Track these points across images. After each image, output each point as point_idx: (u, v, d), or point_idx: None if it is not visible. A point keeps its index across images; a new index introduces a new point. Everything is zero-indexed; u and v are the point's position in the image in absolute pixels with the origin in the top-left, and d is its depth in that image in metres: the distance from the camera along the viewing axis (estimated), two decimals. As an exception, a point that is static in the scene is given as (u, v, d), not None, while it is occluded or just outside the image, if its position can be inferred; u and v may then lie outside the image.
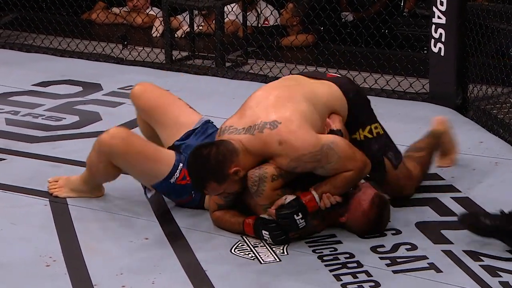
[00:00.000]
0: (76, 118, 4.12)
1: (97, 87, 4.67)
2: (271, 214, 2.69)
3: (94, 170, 2.99)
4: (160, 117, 3.07)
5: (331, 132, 2.75)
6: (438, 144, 3.31)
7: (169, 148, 3.02)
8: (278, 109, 2.71)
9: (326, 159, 2.65)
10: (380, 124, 3.00)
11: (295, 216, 2.65)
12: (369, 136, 2.94)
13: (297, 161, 2.64)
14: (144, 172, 2.90)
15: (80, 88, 4.65)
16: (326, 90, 2.86)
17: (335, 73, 3.42)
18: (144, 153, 2.87)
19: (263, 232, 2.72)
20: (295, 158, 2.63)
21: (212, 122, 3.12)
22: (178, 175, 2.90)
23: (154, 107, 3.09)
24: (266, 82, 4.67)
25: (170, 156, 2.92)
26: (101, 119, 4.10)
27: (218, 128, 3.09)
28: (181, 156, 2.93)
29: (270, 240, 2.73)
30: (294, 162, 2.64)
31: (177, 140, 3.01)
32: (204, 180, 2.67)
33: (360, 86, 4.46)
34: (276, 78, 4.72)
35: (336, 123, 2.80)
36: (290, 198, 2.67)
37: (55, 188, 3.14)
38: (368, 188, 2.78)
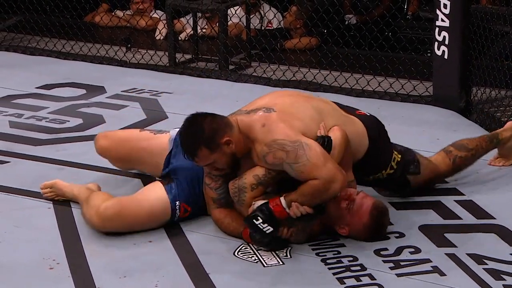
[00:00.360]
0: (79, 121, 4.12)
1: (100, 89, 4.67)
2: (246, 235, 2.72)
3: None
4: (135, 160, 3.14)
5: (320, 138, 2.72)
6: (492, 148, 3.28)
7: (160, 180, 2.99)
8: (284, 104, 2.75)
9: (294, 156, 2.63)
10: (396, 151, 2.99)
11: (254, 220, 2.64)
12: (391, 172, 2.97)
13: (268, 147, 2.65)
14: (146, 227, 2.89)
15: (83, 91, 4.65)
16: (353, 128, 2.84)
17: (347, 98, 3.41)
18: (140, 217, 2.86)
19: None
20: (268, 143, 2.65)
21: None
22: (179, 213, 2.90)
23: (124, 156, 3.15)
24: (269, 85, 4.71)
25: (165, 203, 2.88)
26: (105, 122, 4.10)
27: None
28: (173, 189, 2.90)
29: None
30: (266, 147, 2.66)
31: (163, 169, 3.00)
32: (196, 145, 2.70)
33: (364, 88, 4.49)
34: (279, 81, 4.75)
35: (332, 132, 2.75)
36: (258, 203, 2.67)
37: (49, 195, 3.14)
38: (365, 198, 2.76)
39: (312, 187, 2.64)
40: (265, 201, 2.67)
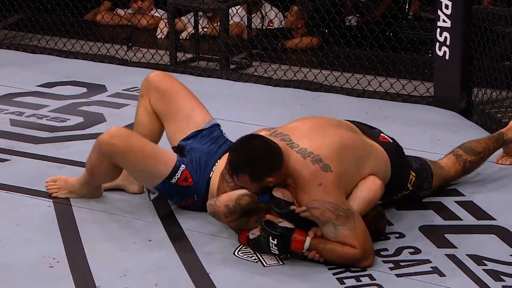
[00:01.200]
0: (80, 119, 4.12)
1: (101, 88, 4.67)
2: (243, 239, 2.68)
3: (95, 171, 2.98)
4: (176, 104, 3.05)
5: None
6: (498, 148, 3.28)
7: (174, 148, 3.01)
8: (338, 158, 2.64)
9: (344, 220, 2.58)
10: (413, 171, 2.98)
11: (270, 238, 2.60)
12: (406, 193, 2.98)
13: (320, 204, 2.57)
14: (145, 171, 2.88)
15: (84, 89, 4.65)
16: (377, 161, 2.81)
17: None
18: (144, 152, 2.85)
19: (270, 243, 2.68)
20: (321, 200, 2.57)
21: (220, 126, 3.11)
22: (179, 175, 2.89)
23: (173, 92, 3.07)
24: (270, 85, 4.72)
25: (171, 156, 2.90)
26: (105, 121, 4.10)
27: (222, 133, 3.08)
28: (184, 158, 2.92)
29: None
30: (318, 203, 2.57)
31: (182, 140, 3.00)
32: (241, 170, 2.59)
33: (365, 89, 4.49)
34: (280, 80, 4.74)
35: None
36: (285, 224, 2.60)
37: (54, 188, 3.14)
38: None
39: (346, 253, 2.60)
40: (292, 227, 2.60)
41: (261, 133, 2.73)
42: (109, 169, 2.94)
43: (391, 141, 2.96)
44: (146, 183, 2.99)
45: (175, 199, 2.99)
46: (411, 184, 2.97)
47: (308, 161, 2.61)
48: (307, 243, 2.60)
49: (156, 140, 3.10)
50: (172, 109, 3.05)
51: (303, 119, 2.85)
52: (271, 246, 2.62)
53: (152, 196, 3.06)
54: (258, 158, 2.57)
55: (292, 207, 2.60)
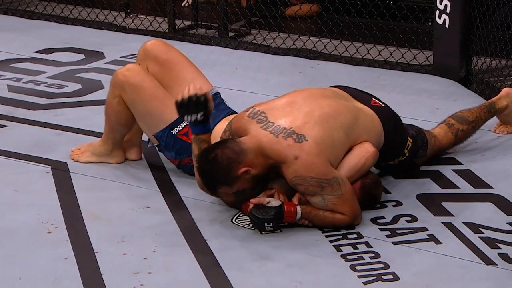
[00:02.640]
0: (78, 86, 4.11)
1: (99, 55, 4.65)
2: (245, 209, 2.66)
3: (109, 111, 3.00)
4: (177, 73, 3.03)
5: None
6: (490, 118, 3.29)
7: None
8: (316, 124, 2.63)
9: (330, 190, 2.59)
10: (409, 137, 2.97)
11: (265, 224, 2.61)
12: (403, 158, 2.97)
13: (302, 180, 2.58)
14: (150, 113, 2.87)
15: (82, 56, 4.63)
16: (367, 123, 2.78)
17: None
18: (154, 92, 2.88)
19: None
20: (302, 176, 2.57)
21: (220, 95, 3.09)
22: (181, 128, 2.89)
23: (173, 62, 3.05)
24: (269, 53, 4.69)
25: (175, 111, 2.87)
26: (103, 88, 4.09)
27: (223, 101, 3.06)
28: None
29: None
30: (299, 179, 2.58)
31: None
32: (214, 185, 2.63)
33: (364, 57, 4.47)
34: (279, 48, 4.72)
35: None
36: (273, 203, 2.60)
37: (77, 155, 3.16)
38: None
39: (337, 219, 2.63)
40: (279, 203, 2.60)
41: (244, 113, 2.73)
42: (120, 107, 2.95)
43: (383, 105, 2.95)
44: (148, 127, 2.96)
45: (171, 154, 2.97)
46: (407, 150, 2.96)
47: (281, 137, 2.61)
48: (298, 214, 2.62)
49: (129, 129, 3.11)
50: (172, 79, 3.02)
51: (285, 94, 2.84)
52: (266, 228, 2.62)
53: (150, 144, 3.04)
54: (213, 166, 2.58)
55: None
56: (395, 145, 2.91)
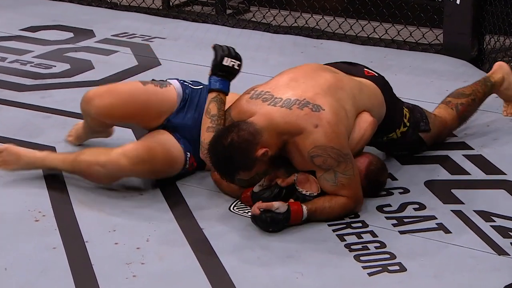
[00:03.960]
0: (67, 66, 4.11)
1: (89, 33, 4.65)
2: (254, 211, 2.63)
3: (89, 177, 2.86)
4: (140, 116, 2.90)
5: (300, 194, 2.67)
6: (489, 92, 3.30)
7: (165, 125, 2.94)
8: (327, 95, 2.65)
9: (344, 167, 2.61)
10: (405, 107, 2.99)
11: (271, 228, 2.61)
12: (404, 129, 2.97)
13: (322, 150, 2.58)
14: (161, 174, 2.88)
15: (71, 34, 4.62)
16: (370, 94, 2.82)
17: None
18: (162, 164, 2.83)
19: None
20: (323, 146, 2.58)
21: (183, 82, 2.99)
22: (187, 165, 2.90)
23: (130, 113, 2.88)
24: (269, 31, 4.69)
25: (180, 153, 2.88)
26: (94, 68, 4.09)
27: (189, 86, 2.98)
28: (180, 140, 2.89)
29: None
30: (320, 149, 2.58)
31: (170, 119, 2.93)
32: (233, 173, 2.61)
33: (369, 36, 4.46)
34: (280, 27, 4.71)
35: (309, 187, 2.68)
36: (281, 209, 2.59)
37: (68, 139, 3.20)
38: (360, 156, 2.76)
39: (341, 206, 2.65)
40: (286, 206, 2.60)
41: (243, 98, 2.73)
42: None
43: (377, 74, 2.97)
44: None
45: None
46: (407, 119, 2.97)
47: (295, 108, 2.62)
48: (305, 215, 2.62)
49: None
50: (136, 117, 2.92)
51: (282, 72, 2.85)
52: (271, 230, 2.62)
53: None
54: (230, 153, 2.56)
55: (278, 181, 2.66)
56: (394, 114, 2.92)
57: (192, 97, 2.94)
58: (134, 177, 2.87)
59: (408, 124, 2.98)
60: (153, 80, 2.98)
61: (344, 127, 2.65)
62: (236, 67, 2.80)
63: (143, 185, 2.92)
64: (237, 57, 2.83)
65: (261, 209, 2.58)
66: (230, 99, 2.84)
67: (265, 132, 2.59)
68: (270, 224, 2.59)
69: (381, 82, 2.92)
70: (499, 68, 3.35)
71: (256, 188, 2.70)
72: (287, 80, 2.75)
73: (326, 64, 2.97)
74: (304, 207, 2.62)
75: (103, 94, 2.88)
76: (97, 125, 3.02)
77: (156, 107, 2.89)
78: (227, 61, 2.79)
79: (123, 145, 2.80)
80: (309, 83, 2.70)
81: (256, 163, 2.59)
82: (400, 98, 3.07)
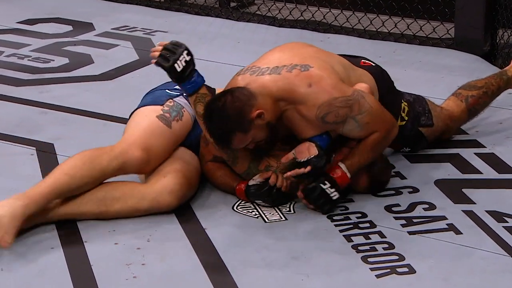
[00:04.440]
0: (65, 60, 4.11)
1: (88, 26, 4.65)
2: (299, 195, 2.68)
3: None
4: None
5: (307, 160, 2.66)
6: (504, 87, 3.29)
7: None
8: (313, 58, 2.68)
9: (358, 107, 2.64)
10: (404, 101, 2.99)
11: (321, 185, 2.63)
12: (402, 123, 2.97)
13: (328, 106, 2.60)
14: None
15: (70, 28, 4.63)
16: (362, 79, 2.82)
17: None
18: (197, 182, 2.81)
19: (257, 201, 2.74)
20: (327, 102, 2.60)
21: (183, 94, 2.91)
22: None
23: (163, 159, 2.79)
24: (274, 25, 4.68)
25: (198, 162, 2.85)
26: (93, 62, 4.09)
27: (169, 97, 2.90)
28: (192, 148, 2.87)
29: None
30: (326, 107, 2.60)
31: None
32: (228, 133, 2.60)
33: (378, 30, 4.45)
34: (285, 20, 4.71)
35: (308, 152, 2.67)
36: (324, 185, 2.64)
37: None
38: None
39: (375, 141, 2.69)
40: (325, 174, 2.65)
41: (231, 79, 2.75)
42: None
43: (374, 64, 2.98)
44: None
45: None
46: (405, 113, 2.97)
47: (284, 73, 2.65)
48: (344, 169, 2.66)
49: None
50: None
51: (272, 49, 2.86)
52: (330, 193, 2.65)
53: None
54: (225, 112, 2.57)
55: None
56: (389, 107, 2.90)
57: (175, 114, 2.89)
58: (133, 175, 2.86)
59: (406, 118, 2.97)
60: (164, 107, 2.84)
61: (338, 77, 2.67)
62: (187, 59, 2.67)
63: (144, 184, 2.92)
64: (176, 48, 2.66)
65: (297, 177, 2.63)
66: None
67: (259, 96, 2.62)
68: (327, 191, 2.64)
69: (377, 72, 2.93)
70: None
71: (250, 182, 2.70)
72: (272, 52, 2.79)
73: None
74: (341, 165, 2.66)
75: (151, 156, 2.73)
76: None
77: (182, 138, 2.85)
78: (179, 66, 2.66)
79: (155, 180, 2.70)
80: (295, 51, 2.75)
81: (252, 126, 2.60)
82: (406, 92, 3.06)
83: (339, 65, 2.76)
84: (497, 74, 3.31)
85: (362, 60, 2.97)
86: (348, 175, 2.68)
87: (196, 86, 2.70)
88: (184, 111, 2.87)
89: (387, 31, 4.44)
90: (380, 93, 2.88)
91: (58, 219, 2.64)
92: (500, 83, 3.28)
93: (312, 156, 2.63)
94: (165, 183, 2.68)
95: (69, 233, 2.62)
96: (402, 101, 3.00)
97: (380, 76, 2.93)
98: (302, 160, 2.64)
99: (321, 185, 2.65)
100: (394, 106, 2.94)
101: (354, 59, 2.95)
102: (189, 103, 2.81)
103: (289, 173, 2.66)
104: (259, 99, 2.61)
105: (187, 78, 2.68)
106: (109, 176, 2.69)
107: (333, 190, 2.66)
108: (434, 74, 3.92)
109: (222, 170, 2.82)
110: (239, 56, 4.12)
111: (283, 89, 2.63)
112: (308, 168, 2.62)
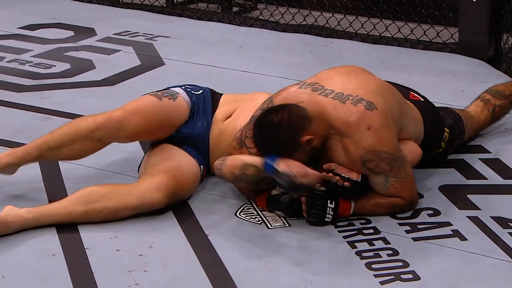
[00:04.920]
0: (67, 66, 4.12)
1: (90, 32, 4.66)
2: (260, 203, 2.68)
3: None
4: (157, 132, 2.90)
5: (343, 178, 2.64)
6: None
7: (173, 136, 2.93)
8: (378, 95, 2.65)
9: (397, 170, 2.62)
10: (446, 128, 2.98)
11: (328, 202, 2.63)
12: (439, 151, 2.98)
13: (375, 155, 2.58)
14: (190, 194, 2.86)
15: (71, 33, 4.64)
16: (413, 114, 2.83)
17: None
18: (190, 185, 2.81)
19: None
20: (376, 151, 2.57)
21: (179, 88, 2.98)
22: (202, 176, 2.90)
23: (152, 130, 2.88)
24: (277, 30, 4.69)
25: (195, 166, 2.86)
26: (95, 68, 4.10)
27: (189, 93, 2.96)
28: (192, 152, 2.89)
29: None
30: (372, 154, 2.58)
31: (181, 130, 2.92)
32: (274, 150, 2.58)
33: (381, 34, 4.46)
34: (288, 25, 4.71)
35: (349, 173, 2.66)
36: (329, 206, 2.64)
37: None
38: None
39: (394, 205, 2.69)
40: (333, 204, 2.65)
41: (288, 87, 2.73)
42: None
43: (422, 99, 2.97)
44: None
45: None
46: (445, 142, 2.98)
47: (349, 104, 2.61)
48: (352, 209, 2.66)
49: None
50: (154, 134, 2.91)
51: (331, 68, 2.85)
52: (328, 212, 2.63)
53: None
54: (277, 130, 2.55)
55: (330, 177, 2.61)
56: (432, 140, 2.93)
57: (197, 104, 2.95)
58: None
59: (444, 146, 2.98)
60: (159, 91, 2.95)
61: (395, 129, 2.65)
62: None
63: (146, 190, 2.92)
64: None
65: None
66: (228, 99, 2.86)
67: (314, 121, 2.59)
68: (328, 202, 2.62)
69: (425, 108, 2.91)
70: None
71: (273, 192, 2.70)
72: (336, 74, 2.74)
73: None
74: (353, 204, 2.66)
75: (130, 116, 2.81)
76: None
77: (173, 121, 2.89)
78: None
79: (143, 179, 2.74)
80: (360, 80, 2.71)
81: (299, 148, 2.58)
82: (442, 107, 3.07)
83: (398, 106, 2.71)
84: None
85: (411, 93, 2.96)
86: (350, 212, 2.66)
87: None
88: (178, 96, 2.91)
89: (390, 35, 4.44)
90: (426, 129, 2.87)
91: (47, 223, 2.65)
92: None
93: (352, 178, 2.63)
94: (152, 180, 2.71)
95: (71, 239, 2.62)
96: (445, 129, 2.97)
97: (427, 111, 2.91)
98: (342, 175, 2.62)
99: (328, 201, 2.63)
100: (437, 137, 2.95)
101: (404, 90, 2.93)
102: (187, 95, 2.87)
103: (322, 174, 2.60)
104: (313, 123, 2.58)
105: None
106: (84, 135, 2.79)
107: (331, 213, 2.64)
108: (439, 79, 3.93)
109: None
110: (241, 61, 4.13)
111: (341, 120, 2.59)
112: (347, 184, 2.61)
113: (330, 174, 2.61)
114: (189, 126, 2.92)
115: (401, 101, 2.77)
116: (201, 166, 2.90)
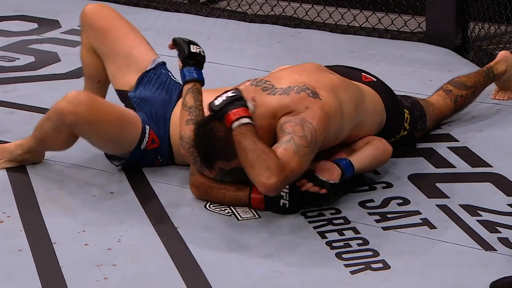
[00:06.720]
0: (31, 59, 4.08)
1: (54, 24, 4.62)
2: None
3: (49, 142, 2.87)
4: (113, 42, 3.02)
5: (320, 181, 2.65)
6: (489, 84, 3.34)
7: (118, 91, 3.01)
8: (328, 91, 2.65)
9: (304, 143, 2.54)
10: (407, 109, 3.00)
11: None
12: (404, 133, 2.99)
13: (299, 120, 2.55)
14: (112, 140, 2.83)
15: (35, 25, 4.60)
16: (372, 101, 2.84)
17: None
18: (111, 119, 2.79)
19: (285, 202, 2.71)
20: (302, 118, 2.55)
21: (166, 65, 3.07)
22: (147, 139, 2.88)
23: (108, 29, 3.04)
24: (245, 21, 4.68)
25: (136, 118, 2.87)
26: (60, 60, 4.07)
27: (170, 75, 3.04)
28: (143, 115, 2.91)
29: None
30: (296, 118, 2.55)
31: (130, 91, 2.98)
32: (211, 159, 2.58)
33: (349, 24, 4.48)
34: (256, 15, 4.71)
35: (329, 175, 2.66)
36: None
37: None
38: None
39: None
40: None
41: (241, 84, 2.74)
42: (68, 139, 2.85)
43: (375, 79, 2.97)
44: (113, 151, 2.92)
45: (143, 164, 2.95)
46: (407, 123, 2.99)
47: (292, 93, 2.62)
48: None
49: (103, 79, 3.09)
50: (110, 48, 3.03)
51: (284, 67, 2.88)
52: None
53: (117, 162, 2.95)
54: (211, 137, 2.54)
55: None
56: (395, 120, 2.94)
57: (160, 73, 3.00)
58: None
59: (408, 127, 2.99)
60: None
61: (335, 125, 2.64)
62: (202, 53, 2.82)
63: (113, 183, 2.91)
64: (198, 44, 2.85)
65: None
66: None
67: (258, 121, 2.55)
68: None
69: (380, 88, 2.93)
70: (504, 59, 3.36)
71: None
72: (290, 73, 2.76)
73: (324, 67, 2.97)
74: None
75: (100, 9, 3.11)
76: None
77: (132, 49, 3.03)
78: (194, 48, 2.81)
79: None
80: (313, 77, 2.71)
81: (236, 155, 2.56)
82: (400, 94, 3.08)
83: (351, 103, 2.71)
84: (485, 72, 3.33)
85: (363, 74, 2.97)
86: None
87: (198, 76, 2.77)
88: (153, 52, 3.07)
89: (358, 25, 4.46)
90: (387, 108, 2.89)
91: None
92: (486, 82, 3.33)
93: (331, 181, 2.63)
94: (72, 93, 2.78)
95: (38, 234, 2.60)
96: (404, 110, 3.00)
97: (383, 92, 2.92)
98: (320, 178, 2.63)
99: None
100: (398, 119, 2.96)
101: (354, 72, 2.95)
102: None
103: (304, 187, 2.62)
104: (257, 123, 2.54)
105: (193, 63, 2.78)
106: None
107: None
108: (407, 68, 3.95)
109: (227, 188, 2.75)
110: (209, 53, 4.08)
111: (282, 106, 2.60)
112: (324, 190, 2.62)
113: (304, 181, 2.61)
114: (147, 89, 2.95)
115: (357, 96, 2.77)
116: (147, 127, 2.87)
